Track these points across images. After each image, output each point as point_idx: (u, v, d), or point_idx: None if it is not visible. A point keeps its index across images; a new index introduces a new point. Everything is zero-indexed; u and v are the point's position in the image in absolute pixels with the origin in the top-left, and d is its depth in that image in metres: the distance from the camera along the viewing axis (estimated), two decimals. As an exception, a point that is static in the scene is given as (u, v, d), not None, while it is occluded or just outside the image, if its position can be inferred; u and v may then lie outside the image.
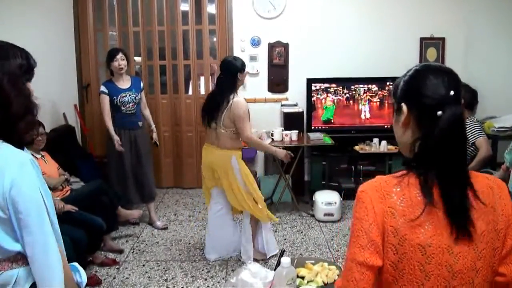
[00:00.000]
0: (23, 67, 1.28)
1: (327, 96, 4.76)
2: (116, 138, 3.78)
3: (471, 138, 3.58)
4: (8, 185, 1.20)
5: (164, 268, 3.34)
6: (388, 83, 4.74)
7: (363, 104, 4.79)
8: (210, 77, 5.14)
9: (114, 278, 3.19)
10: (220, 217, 3.41)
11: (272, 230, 3.52)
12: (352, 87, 4.76)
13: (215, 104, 3.16)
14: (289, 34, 4.92)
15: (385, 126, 4.76)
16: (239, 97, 3.16)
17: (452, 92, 1.04)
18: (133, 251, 3.62)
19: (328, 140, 4.28)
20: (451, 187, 1.02)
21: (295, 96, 4.95)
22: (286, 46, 4.93)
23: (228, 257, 3.48)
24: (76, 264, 1.47)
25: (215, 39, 5.07)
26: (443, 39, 4.94)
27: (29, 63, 1.31)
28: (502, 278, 1.09)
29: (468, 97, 3.74)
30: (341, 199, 4.23)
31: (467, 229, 1.02)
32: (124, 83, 3.88)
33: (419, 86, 1.07)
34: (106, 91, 3.81)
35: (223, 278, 3.18)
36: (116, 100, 3.80)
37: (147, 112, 4.12)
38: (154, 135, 4.14)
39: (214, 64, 5.06)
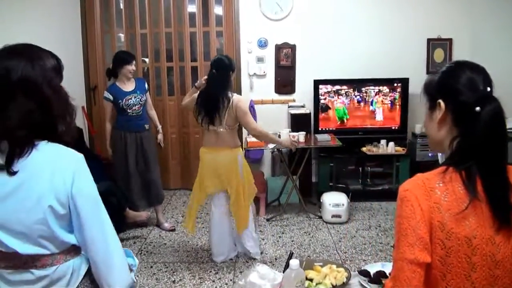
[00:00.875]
0: (55, 68, 1.28)
1: (338, 98, 4.75)
2: (109, 149, 3.97)
3: None
4: (69, 182, 1.23)
5: (171, 269, 3.34)
6: (396, 84, 4.71)
7: (378, 107, 4.75)
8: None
9: (122, 279, 3.19)
10: (221, 218, 3.39)
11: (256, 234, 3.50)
12: (363, 89, 4.74)
13: (213, 104, 3.12)
14: (296, 35, 4.91)
15: (393, 128, 4.73)
16: (236, 95, 3.21)
17: (488, 88, 1.07)
18: (141, 253, 3.62)
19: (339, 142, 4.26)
20: (494, 180, 1.06)
21: (302, 98, 4.94)
22: (293, 47, 4.93)
23: (234, 255, 3.48)
24: (126, 249, 1.52)
25: (222, 40, 5.07)
26: (450, 40, 4.91)
27: (59, 64, 1.30)
28: None
29: None
30: (348, 200, 4.21)
31: (509, 219, 1.05)
32: (129, 85, 3.86)
33: (457, 82, 1.09)
34: (111, 98, 3.79)
35: (230, 280, 3.18)
36: (121, 103, 3.78)
37: (153, 113, 4.11)
38: (159, 136, 4.14)
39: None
